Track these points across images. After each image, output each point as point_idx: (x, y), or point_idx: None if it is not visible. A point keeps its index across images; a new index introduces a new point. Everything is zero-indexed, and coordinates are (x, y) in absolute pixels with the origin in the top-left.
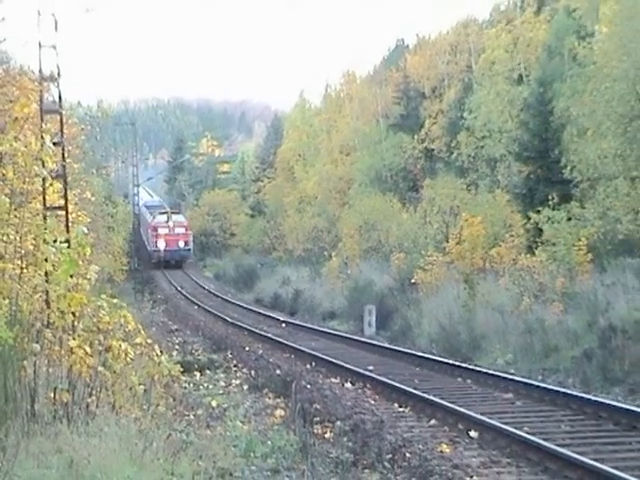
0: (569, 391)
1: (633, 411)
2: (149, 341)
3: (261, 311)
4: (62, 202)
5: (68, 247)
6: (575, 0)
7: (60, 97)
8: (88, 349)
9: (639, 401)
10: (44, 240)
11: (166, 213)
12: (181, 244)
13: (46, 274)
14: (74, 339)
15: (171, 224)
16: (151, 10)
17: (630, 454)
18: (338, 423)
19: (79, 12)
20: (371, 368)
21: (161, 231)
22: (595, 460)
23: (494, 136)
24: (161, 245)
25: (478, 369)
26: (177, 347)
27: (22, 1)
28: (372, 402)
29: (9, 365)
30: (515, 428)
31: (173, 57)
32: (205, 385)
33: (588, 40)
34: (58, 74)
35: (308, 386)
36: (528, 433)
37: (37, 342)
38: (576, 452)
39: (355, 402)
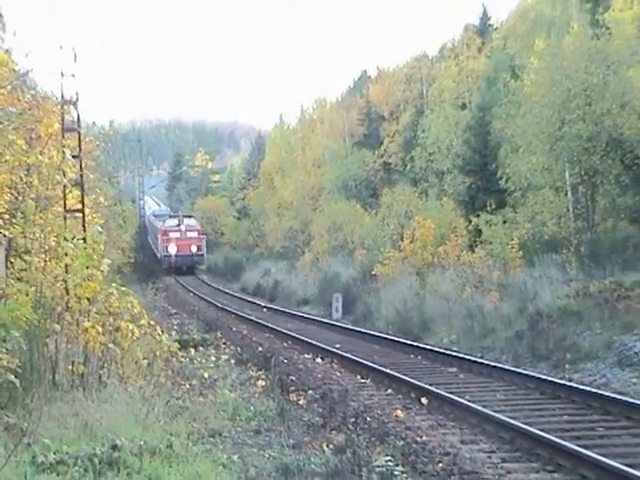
0: (503, 366)
1: (556, 382)
2: (152, 322)
3: (246, 298)
4: (79, 206)
5: (84, 244)
6: (510, 40)
7: (78, 118)
8: (100, 329)
9: (561, 374)
10: (64, 238)
11: (177, 216)
12: (193, 249)
13: (66, 266)
14: (89, 320)
15: (183, 228)
16: (154, 43)
17: (554, 418)
18: (310, 392)
19: (95, 45)
20: (338, 346)
21: (172, 235)
22: (525, 424)
23: (442, 152)
24: (172, 250)
25: (427, 347)
26: (175, 328)
27: (46, 35)
28: (338, 374)
29: (34, 342)
30: (458, 396)
31: (173, 84)
32: (199, 360)
33: (519, 73)
34: (77, 99)
35: (285, 361)
36: (469, 401)
37: (58, 323)
38: (509, 417)
39: (324, 374)
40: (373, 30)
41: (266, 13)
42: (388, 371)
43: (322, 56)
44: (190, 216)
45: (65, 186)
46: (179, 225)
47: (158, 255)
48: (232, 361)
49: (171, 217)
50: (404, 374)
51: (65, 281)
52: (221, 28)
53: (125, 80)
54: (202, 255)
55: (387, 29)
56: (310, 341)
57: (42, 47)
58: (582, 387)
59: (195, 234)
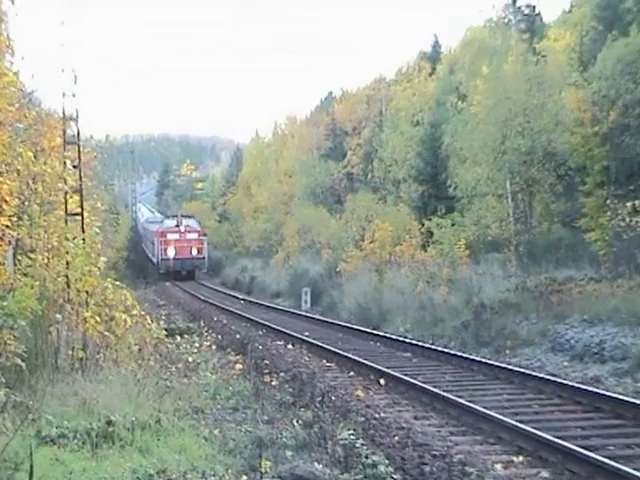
0: (451, 351)
1: (497, 366)
2: (142, 313)
3: (225, 291)
4: (79, 210)
5: (83, 243)
6: (457, 66)
7: (78, 133)
8: (97, 318)
9: (502, 359)
10: (65, 238)
11: (176, 217)
12: (194, 252)
13: (67, 263)
14: (87, 311)
15: (182, 229)
16: (145, 66)
17: (495, 397)
18: (282, 374)
19: (95, 67)
20: (306, 334)
21: (170, 237)
22: (469, 402)
23: (398, 164)
24: (170, 253)
25: (385, 335)
26: (163, 317)
27: (49, 59)
28: (307, 359)
29: (39, 330)
30: (412, 378)
31: (162, 102)
32: (184, 346)
33: (465, 94)
34: (77, 115)
35: (260, 347)
36: (421, 382)
37: (59, 313)
38: (456, 395)
39: (294, 359)
40: (338, 54)
41: (243, 38)
42: (350, 356)
43: (293, 77)
44: (190, 216)
45: (66, 192)
46: (178, 226)
47: (154, 259)
48: (213, 347)
49: (169, 217)
50: (364, 358)
51: (66, 276)
52: (202, 51)
53: (119, 99)
54: (203, 259)
55: (351, 54)
56: (282, 329)
57: (46, 69)
58: (520, 370)
59: (195, 235)
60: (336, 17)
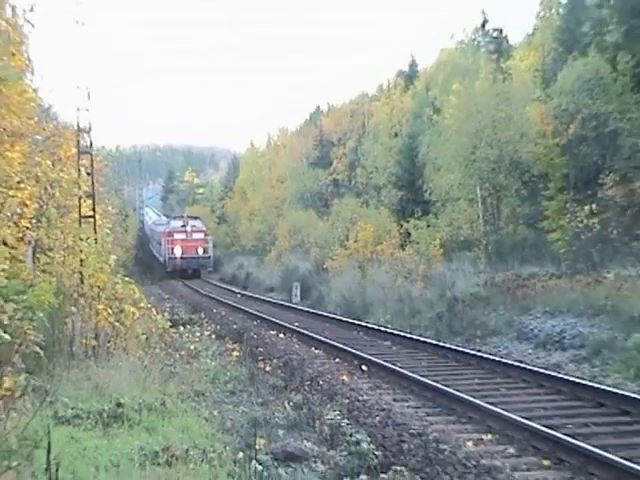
0: (427, 340)
1: (468, 353)
2: (149, 306)
3: (224, 286)
4: (92, 213)
5: (95, 243)
6: (432, 83)
7: (91, 143)
8: (108, 311)
9: (472, 346)
10: (80, 238)
11: (182, 217)
12: (200, 251)
13: (81, 261)
14: (99, 304)
15: (188, 229)
16: (151, 82)
17: (466, 381)
18: (274, 361)
19: (107, 84)
20: (297, 324)
21: (177, 237)
22: (444, 385)
23: (379, 171)
24: (177, 252)
25: (367, 325)
26: (168, 310)
27: (66, 77)
28: (297, 347)
29: (55, 321)
30: (391, 364)
31: (166, 116)
32: (186, 335)
33: (440, 109)
34: (90, 128)
35: (255, 336)
36: (400, 368)
37: (74, 306)
38: (431, 380)
39: (286, 347)
40: (326, 72)
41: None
42: (336, 344)
43: (284, 93)
44: (196, 217)
45: (80, 197)
46: (184, 226)
47: (161, 259)
48: (213, 336)
49: (175, 218)
50: (349, 346)
51: (80, 273)
52: (202, 68)
53: (128, 113)
54: (209, 257)
55: (337, 72)
56: (275, 320)
57: (62, 87)
58: (489, 357)
59: (201, 235)
60: (325, 35)
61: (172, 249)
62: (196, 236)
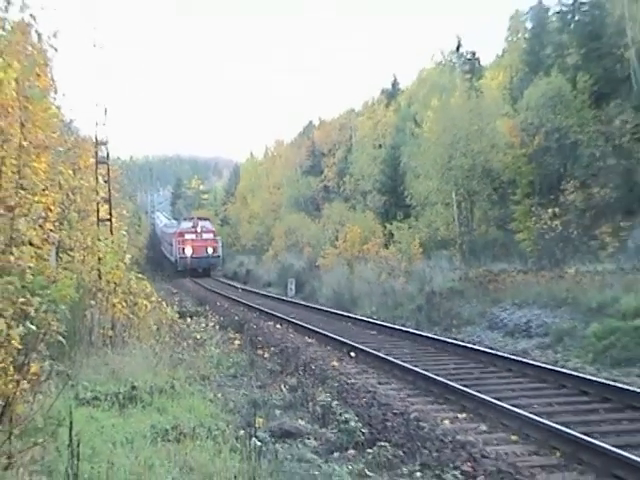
0: (408, 329)
1: (445, 341)
2: (159, 299)
3: (226, 282)
4: (108, 216)
5: (112, 243)
6: (413, 99)
7: (108, 154)
8: (124, 304)
9: (448, 335)
10: (98, 239)
11: (192, 219)
12: (209, 251)
13: (99, 259)
14: (115, 298)
15: (198, 230)
16: (162, 96)
17: (443, 366)
18: (272, 348)
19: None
20: (292, 316)
21: (188, 237)
22: (423, 370)
23: (365, 178)
24: (188, 252)
25: (355, 316)
26: (176, 303)
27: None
28: (292, 336)
29: (76, 313)
30: (376, 351)
31: (174, 130)
32: (193, 325)
33: (419, 123)
34: (106, 141)
35: (254, 326)
36: (384, 354)
37: (93, 300)
38: (412, 365)
39: (282, 336)
40: (317, 90)
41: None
42: (327, 333)
43: (281, 107)
44: (205, 218)
45: (98, 202)
46: (194, 227)
47: (172, 258)
48: (216, 326)
49: (186, 220)
50: (338, 335)
51: (98, 270)
52: (206, 84)
53: (140, 126)
54: (218, 257)
55: (327, 90)
56: (272, 312)
57: (82, 103)
58: (463, 344)
59: (211, 235)
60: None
61: (183, 249)
62: (206, 236)
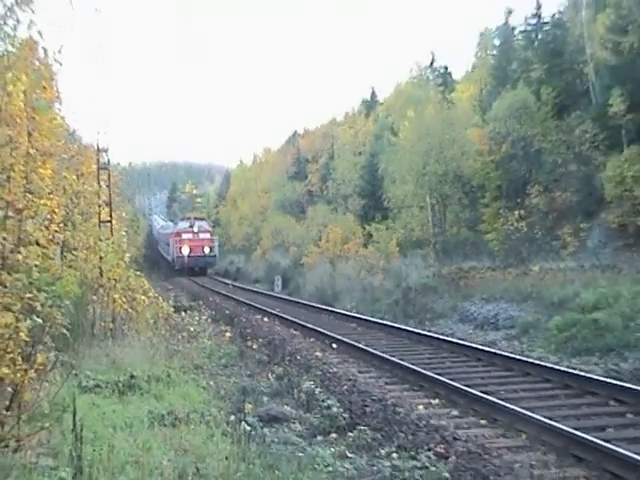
0: (386, 322)
1: (420, 333)
2: (156, 295)
3: (218, 279)
4: (109, 218)
5: (112, 243)
6: (390, 110)
7: (108, 161)
8: (123, 299)
9: (422, 327)
10: (99, 239)
11: (189, 219)
12: (206, 250)
13: (100, 258)
14: (115, 293)
15: (195, 229)
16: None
17: (418, 356)
18: (260, 340)
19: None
20: (278, 310)
21: (185, 237)
22: (400, 359)
23: (346, 183)
24: (185, 251)
25: (336, 310)
26: (171, 298)
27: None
28: (278, 328)
29: (79, 308)
30: (356, 342)
31: (170, 137)
32: (187, 319)
33: (395, 132)
34: (107, 148)
35: (244, 320)
36: (364, 345)
37: (95, 295)
38: (389, 355)
39: (269, 328)
40: (301, 100)
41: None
42: (311, 326)
43: (269, 117)
44: (202, 218)
45: (100, 205)
46: (192, 227)
47: (169, 258)
48: (209, 320)
49: (183, 220)
50: (322, 328)
51: (100, 268)
52: (199, 90)
53: (138, 134)
54: (214, 256)
55: (311, 99)
56: (260, 306)
57: (85, 113)
58: (437, 336)
59: (207, 235)
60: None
61: (180, 248)
62: (202, 236)
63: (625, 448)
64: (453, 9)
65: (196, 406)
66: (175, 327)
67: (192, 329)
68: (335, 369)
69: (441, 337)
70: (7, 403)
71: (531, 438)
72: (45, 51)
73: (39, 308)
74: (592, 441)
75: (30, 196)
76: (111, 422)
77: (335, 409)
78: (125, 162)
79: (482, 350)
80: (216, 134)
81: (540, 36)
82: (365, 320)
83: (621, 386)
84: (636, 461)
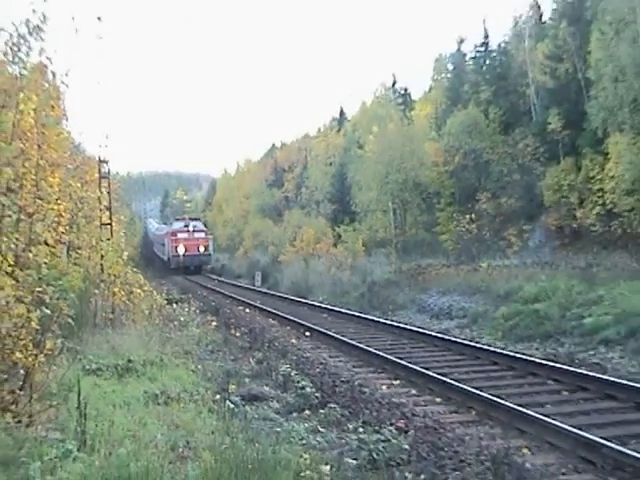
0: (353, 313)
1: (383, 322)
2: (151, 289)
3: (205, 275)
4: (109, 221)
5: (112, 243)
6: (357, 126)
7: (109, 171)
8: (122, 292)
9: (385, 317)
10: (100, 240)
11: (184, 219)
12: (201, 249)
13: (101, 256)
14: (115, 288)
15: (190, 228)
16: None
17: (382, 342)
18: (242, 328)
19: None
20: (258, 302)
21: (180, 236)
22: (366, 346)
23: (318, 190)
24: (180, 250)
25: (310, 302)
26: (164, 292)
27: (91, 122)
28: (259, 318)
29: (83, 300)
30: (327, 330)
31: (163, 150)
32: (178, 310)
33: (362, 145)
34: (108, 159)
35: (228, 311)
36: (334, 333)
37: (97, 289)
38: (356, 342)
39: (251, 318)
40: (278, 116)
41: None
42: (287, 316)
43: (249, 131)
44: (197, 219)
45: (101, 210)
46: (187, 226)
47: (165, 258)
48: (197, 311)
49: (178, 220)
50: (297, 318)
51: (101, 265)
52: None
53: (135, 146)
54: (209, 255)
55: (287, 115)
56: (242, 299)
57: (89, 128)
58: (398, 325)
59: (202, 234)
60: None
61: (176, 247)
62: (197, 235)
63: (561, 421)
64: (412, 37)
65: (186, 387)
66: (167, 317)
67: (182, 319)
68: (308, 354)
69: (402, 326)
70: (20, 384)
71: (480, 414)
72: (53, 74)
73: (48, 300)
74: (533, 416)
75: (40, 202)
76: (111, 401)
77: (308, 389)
78: (123, 172)
79: (438, 337)
80: (203, 146)
81: (488, 62)
82: (335, 311)
83: (558, 367)
84: (569, 432)
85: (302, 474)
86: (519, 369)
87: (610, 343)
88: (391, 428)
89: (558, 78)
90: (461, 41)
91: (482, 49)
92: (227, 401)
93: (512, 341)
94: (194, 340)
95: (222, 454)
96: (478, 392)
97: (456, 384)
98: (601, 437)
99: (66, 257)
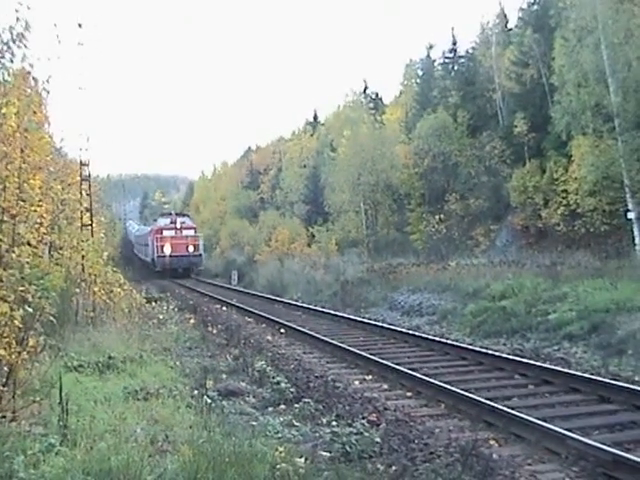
0: (327, 310)
1: (355, 319)
2: (130, 288)
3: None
4: (90, 222)
5: (93, 244)
6: (330, 129)
7: (89, 173)
8: (102, 291)
9: (358, 314)
10: (81, 240)
11: (170, 215)
12: (190, 249)
13: (82, 256)
14: (95, 287)
15: (178, 225)
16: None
17: (354, 339)
18: (219, 326)
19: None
20: (235, 300)
21: (166, 234)
22: (339, 342)
23: (293, 191)
24: (167, 250)
25: (285, 301)
26: (143, 290)
27: (72, 126)
28: (235, 316)
29: (65, 299)
30: (302, 327)
31: (141, 152)
32: (157, 308)
33: (335, 148)
34: (88, 162)
35: (205, 309)
36: (308, 330)
37: (78, 288)
38: (330, 338)
39: (227, 316)
40: (253, 119)
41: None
42: (263, 314)
43: (225, 133)
44: (185, 214)
45: (82, 211)
46: (173, 223)
47: (148, 259)
48: (175, 309)
49: (163, 215)
50: (272, 315)
51: (82, 264)
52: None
53: (114, 149)
54: (200, 256)
55: (262, 118)
56: (219, 297)
57: (70, 132)
58: (370, 322)
59: (192, 232)
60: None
61: (161, 247)
62: (186, 233)
63: (527, 414)
64: (384, 43)
65: (165, 382)
66: (146, 315)
67: (161, 317)
68: (283, 350)
69: (374, 323)
70: (4, 380)
71: (449, 407)
72: (35, 80)
73: (30, 299)
74: (500, 409)
75: (23, 203)
76: (92, 396)
77: (283, 384)
78: (103, 174)
79: (408, 333)
80: (181, 149)
81: (456, 67)
82: (309, 309)
83: (524, 362)
84: (535, 424)
85: (277, 466)
86: (487, 364)
87: (574, 338)
88: (363, 421)
89: (524, 83)
90: (430, 47)
91: (450, 55)
92: (205, 396)
93: (480, 337)
94: (172, 337)
95: (200, 448)
96: (447, 386)
97: (426, 379)
98: (565, 429)
99: (48, 257)
